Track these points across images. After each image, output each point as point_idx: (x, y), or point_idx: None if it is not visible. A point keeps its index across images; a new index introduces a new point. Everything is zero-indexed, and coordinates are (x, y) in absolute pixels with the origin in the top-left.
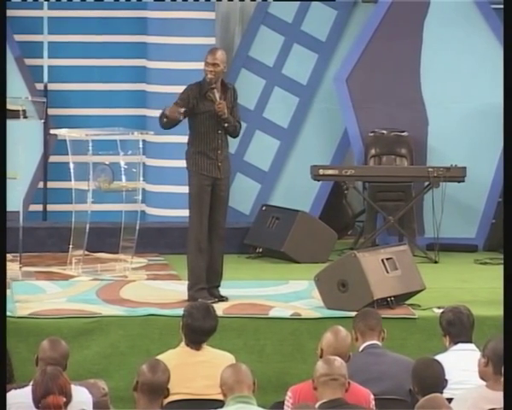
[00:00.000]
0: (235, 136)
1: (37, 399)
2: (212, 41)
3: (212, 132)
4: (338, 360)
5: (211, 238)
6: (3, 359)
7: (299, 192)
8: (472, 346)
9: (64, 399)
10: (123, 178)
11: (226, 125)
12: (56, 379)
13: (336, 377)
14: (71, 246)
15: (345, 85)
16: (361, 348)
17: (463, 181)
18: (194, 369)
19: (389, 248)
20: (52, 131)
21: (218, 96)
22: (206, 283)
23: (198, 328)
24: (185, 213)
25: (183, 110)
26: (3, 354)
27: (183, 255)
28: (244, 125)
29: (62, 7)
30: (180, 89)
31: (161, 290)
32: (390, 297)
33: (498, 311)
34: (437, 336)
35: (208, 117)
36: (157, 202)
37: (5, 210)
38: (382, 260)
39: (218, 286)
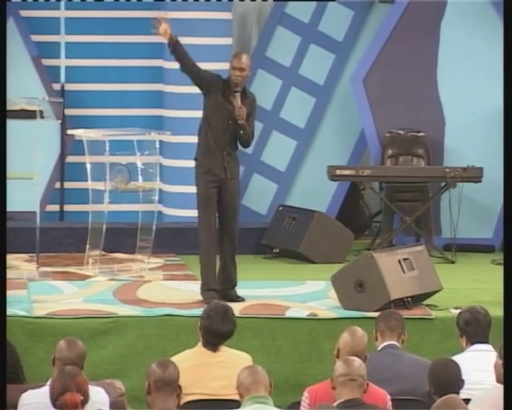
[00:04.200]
0: (246, 145)
1: (55, 396)
2: (228, 41)
3: (221, 132)
4: (357, 361)
5: (222, 242)
6: (3, 359)
7: (315, 192)
8: (489, 347)
9: (81, 397)
10: (140, 178)
11: (241, 132)
12: (74, 378)
13: (355, 377)
14: (88, 246)
15: (361, 86)
16: (379, 348)
17: (480, 181)
18: (210, 369)
19: (406, 248)
20: (69, 132)
21: (239, 101)
22: (219, 284)
23: (216, 331)
24: None
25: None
26: (3, 353)
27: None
28: (261, 125)
29: (79, 7)
30: (197, 89)
31: (178, 291)
32: (407, 298)
33: None
34: (454, 336)
35: (221, 115)
36: (174, 202)
37: (5, 210)
38: (399, 261)
39: (234, 286)
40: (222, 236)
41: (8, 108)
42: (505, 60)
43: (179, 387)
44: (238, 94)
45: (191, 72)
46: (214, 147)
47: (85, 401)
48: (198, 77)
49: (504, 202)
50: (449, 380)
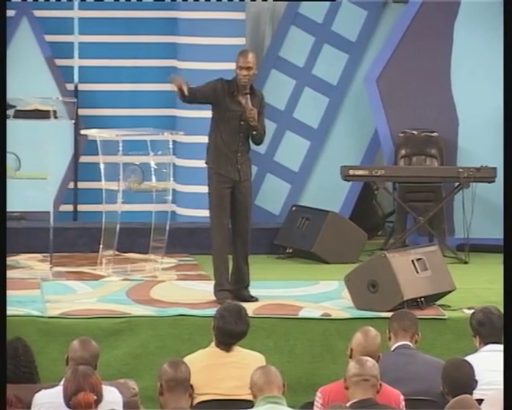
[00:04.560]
0: (259, 143)
1: (68, 396)
2: (242, 41)
3: (234, 134)
4: (370, 361)
5: (235, 242)
6: (3, 359)
7: (329, 192)
8: (502, 347)
9: (95, 397)
10: (153, 178)
11: (254, 132)
12: (88, 378)
13: (368, 377)
14: (101, 246)
15: (375, 86)
16: (392, 348)
17: (494, 181)
18: (223, 369)
19: (419, 248)
20: (82, 132)
21: (249, 102)
22: (232, 285)
23: (229, 331)
24: None
25: (185, 89)
26: (3, 353)
27: None
28: (274, 125)
29: (93, 7)
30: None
31: (191, 291)
32: (420, 298)
33: None
34: (467, 336)
35: (231, 118)
36: (187, 202)
37: (5, 210)
38: (412, 261)
39: (247, 286)
40: (235, 236)
41: (21, 108)
42: (505, 60)
43: (191, 386)
44: (248, 96)
45: (196, 101)
46: (227, 150)
47: (99, 400)
48: (203, 99)
49: (504, 201)
50: (462, 380)
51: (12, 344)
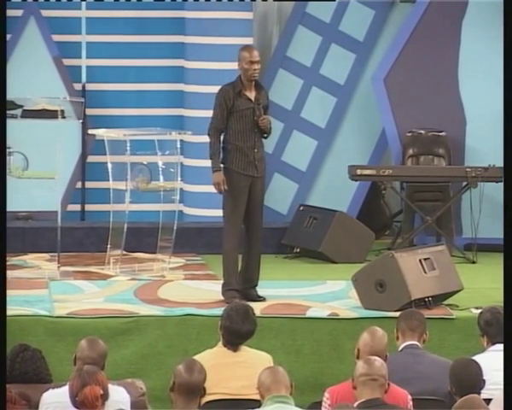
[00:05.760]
0: (266, 137)
1: (74, 393)
2: (249, 41)
3: (249, 131)
4: (378, 361)
5: (249, 240)
6: (3, 359)
7: (336, 192)
8: None
9: (101, 391)
10: (161, 178)
11: (265, 135)
12: (94, 375)
13: (376, 377)
14: (109, 246)
15: (382, 85)
16: (400, 348)
17: (501, 181)
18: (231, 369)
19: (427, 248)
20: (90, 131)
21: (262, 111)
22: (240, 284)
23: (236, 331)
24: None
25: (223, 188)
26: (3, 353)
27: (220, 255)
28: (282, 125)
29: (100, 7)
30: (218, 89)
31: (199, 290)
32: (428, 297)
33: None
34: (475, 336)
35: (244, 115)
36: (195, 201)
37: (5, 210)
38: (420, 261)
39: (255, 286)
40: (248, 234)
41: (29, 108)
42: (505, 60)
43: (204, 388)
44: (260, 106)
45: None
46: (244, 148)
47: (105, 396)
48: (226, 119)
49: (504, 201)
50: (470, 380)
51: (13, 351)
